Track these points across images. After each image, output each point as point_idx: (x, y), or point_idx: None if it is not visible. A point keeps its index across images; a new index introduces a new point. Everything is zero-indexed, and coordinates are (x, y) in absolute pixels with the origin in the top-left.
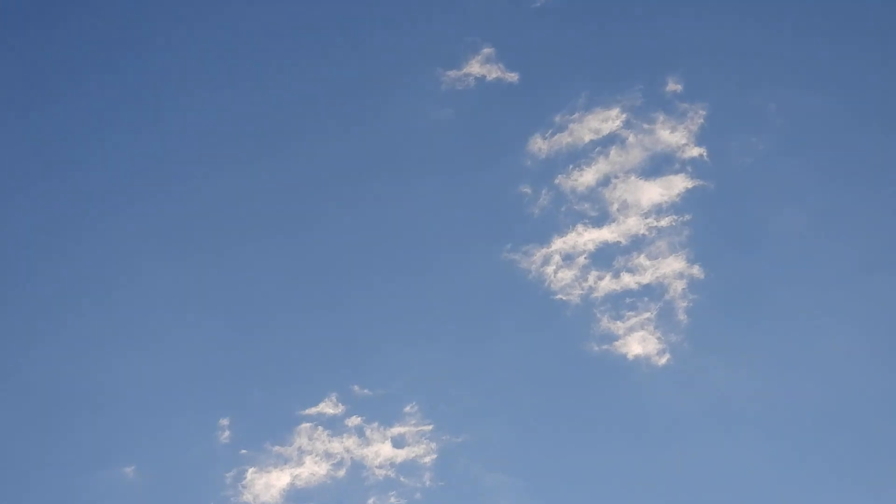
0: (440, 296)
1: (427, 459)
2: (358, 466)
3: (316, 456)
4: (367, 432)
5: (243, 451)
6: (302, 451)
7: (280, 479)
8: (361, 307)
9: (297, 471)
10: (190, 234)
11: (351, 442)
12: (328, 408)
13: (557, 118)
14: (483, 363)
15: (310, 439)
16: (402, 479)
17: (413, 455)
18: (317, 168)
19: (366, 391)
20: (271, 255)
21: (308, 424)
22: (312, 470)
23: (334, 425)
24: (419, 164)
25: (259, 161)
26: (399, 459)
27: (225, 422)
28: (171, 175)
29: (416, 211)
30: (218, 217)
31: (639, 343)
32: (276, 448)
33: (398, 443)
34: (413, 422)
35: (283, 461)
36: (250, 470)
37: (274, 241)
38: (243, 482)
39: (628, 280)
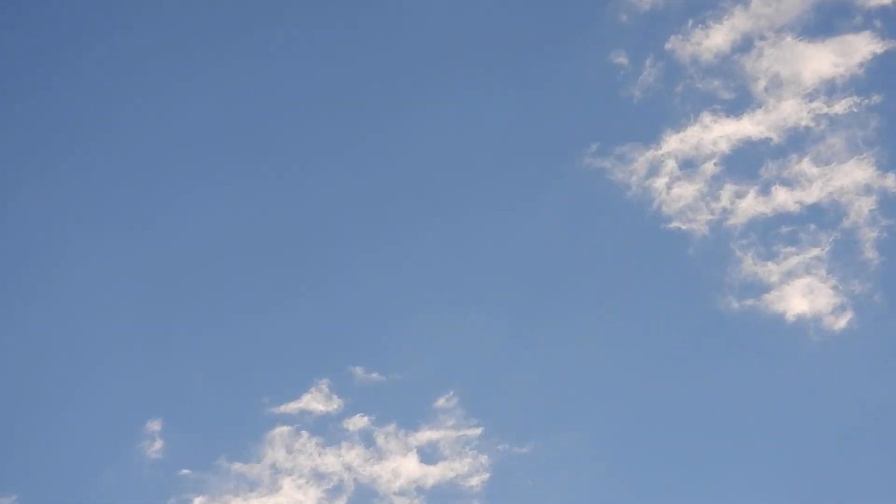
0: (488, 237)
1: (475, 482)
2: (366, 493)
3: (299, 477)
4: (380, 439)
5: (184, 472)
6: (277, 470)
7: None
8: (367, 257)
9: (270, 501)
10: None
11: (354, 455)
12: (316, 402)
13: None
14: (557, 336)
15: (289, 451)
16: None
17: (452, 475)
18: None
19: (374, 376)
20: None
21: (286, 428)
22: (294, 499)
23: (327, 429)
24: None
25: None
26: (431, 482)
27: (155, 426)
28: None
29: (451, 114)
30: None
31: (803, 296)
32: (237, 466)
33: (428, 456)
34: (451, 423)
35: (247, 486)
36: (196, 501)
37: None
38: None
39: (784, 198)
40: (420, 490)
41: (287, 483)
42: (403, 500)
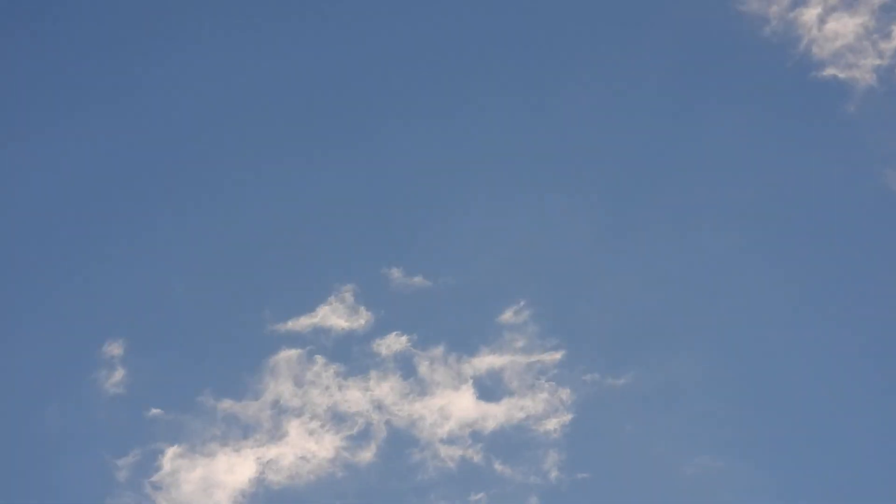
0: (573, 94)
1: (552, 425)
2: (402, 440)
3: (311, 419)
4: (423, 367)
5: (154, 413)
6: (281, 410)
7: (235, 471)
8: (407, 121)
9: (271, 452)
10: None
11: (387, 389)
12: (337, 316)
13: None
14: (664, 227)
15: (298, 385)
16: (497, 466)
17: (521, 416)
18: None
19: (416, 280)
20: None
21: (294, 352)
22: (303, 449)
23: (351, 353)
24: None
25: None
26: (491, 425)
27: (114, 348)
28: None
29: None
30: None
31: None
32: (226, 404)
33: (489, 390)
34: (520, 344)
35: (239, 432)
36: (169, 452)
37: None
38: (154, 478)
39: None
40: (476, 436)
41: (294, 427)
42: (453, 451)
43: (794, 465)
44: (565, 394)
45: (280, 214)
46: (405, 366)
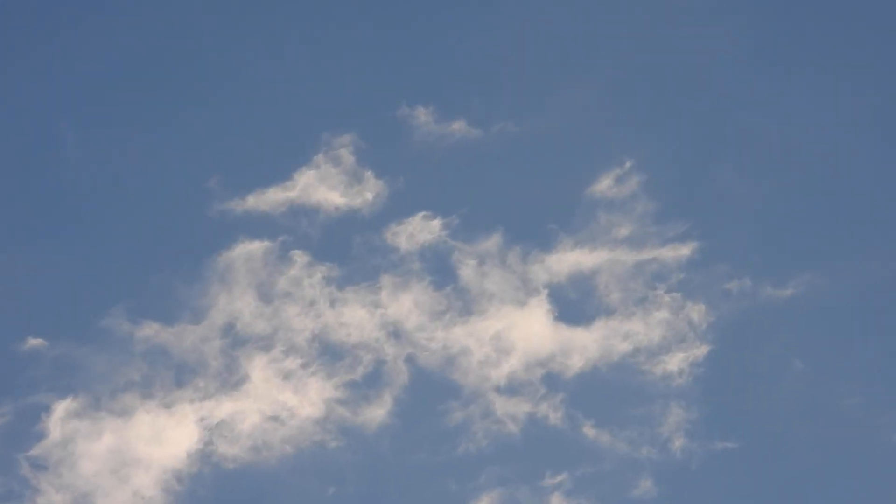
0: None
1: (676, 363)
2: (432, 389)
3: (286, 356)
4: (466, 269)
5: (33, 343)
6: (236, 342)
7: (166, 440)
8: None
9: (222, 409)
10: None
11: (407, 306)
12: (325, 187)
13: None
14: None
15: (263, 299)
16: (588, 429)
17: (626, 348)
18: None
19: (457, 127)
20: None
21: (253, 246)
22: (274, 405)
23: (347, 248)
24: None
25: None
26: (577, 363)
27: None
28: None
29: None
30: None
31: None
32: (148, 330)
33: (573, 306)
34: (625, 231)
35: (171, 378)
36: (58, 408)
37: None
38: (32, 451)
39: None
40: (553, 382)
41: (259, 369)
42: (516, 405)
43: None
44: (698, 312)
45: (238, 26)
46: (439, 267)
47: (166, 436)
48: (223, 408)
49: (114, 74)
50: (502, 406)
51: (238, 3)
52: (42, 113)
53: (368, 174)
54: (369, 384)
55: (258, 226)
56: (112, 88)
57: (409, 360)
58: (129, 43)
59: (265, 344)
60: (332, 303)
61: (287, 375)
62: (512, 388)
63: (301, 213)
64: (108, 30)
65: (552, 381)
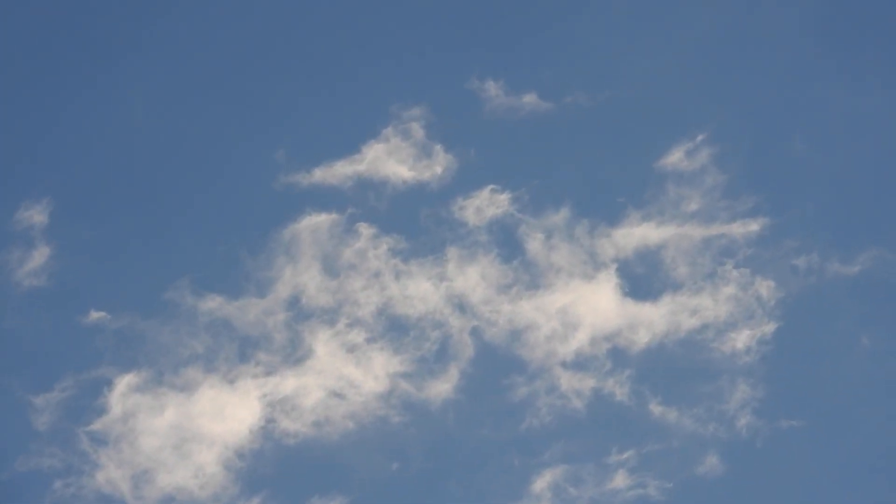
0: None
1: (744, 340)
2: (498, 364)
3: (351, 329)
4: (534, 243)
5: (96, 316)
6: (301, 315)
7: (228, 416)
8: None
9: (286, 384)
10: None
11: (474, 279)
12: (393, 160)
13: None
14: None
15: (328, 272)
16: (655, 406)
17: (694, 323)
18: None
19: (528, 100)
20: None
21: (319, 219)
22: (338, 379)
23: (414, 222)
24: None
25: None
26: (644, 339)
27: (34, 214)
28: None
29: None
30: None
31: None
32: (212, 303)
33: (641, 280)
34: (694, 206)
35: (234, 352)
36: (120, 383)
37: None
38: (93, 425)
39: None
40: (620, 357)
41: (324, 343)
42: (582, 381)
43: None
44: (766, 288)
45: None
46: (506, 241)
47: (228, 412)
48: (286, 383)
49: (185, 48)
50: (568, 381)
51: None
52: (112, 82)
53: (438, 147)
54: (434, 358)
55: (325, 199)
56: (182, 61)
57: (475, 333)
58: (199, 18)
59: (330, 318)
60: (398, 275)
61: (351, 349)
62: (578, 364)
63: (369, 186)
64: (181, 4)
65: (618, 356)
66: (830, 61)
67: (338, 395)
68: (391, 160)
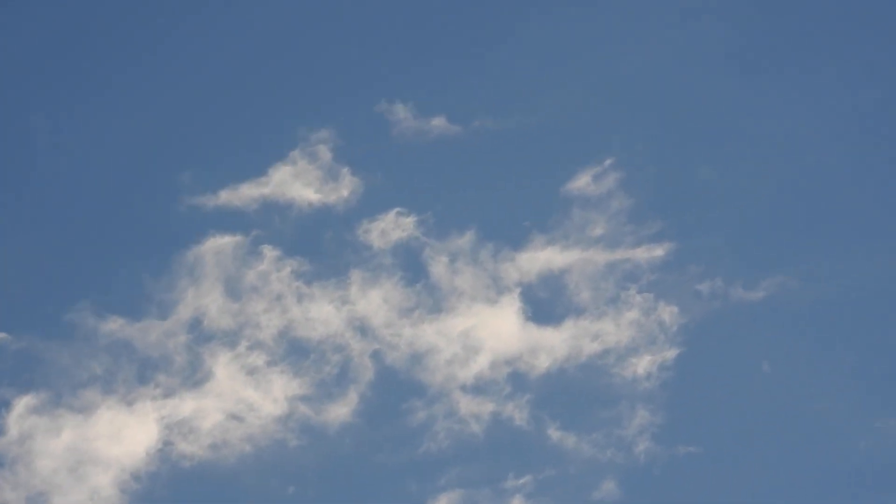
0: None
1: (645, 366)
2: (397, 388)
3: (251, 352)
4: (438, 267)
5: None
6: (202, 338)
7: (126, 438)
8: None
9: (184, 407)
10: None
11: (376, 302)
12: (299, 183)
13: None
14: None
15: (230, 294)
16: (553, 431)
17: (596, 349)
18: None
19: (436, 123)
20: None
21: (223, 241)
22: (237, 402)
23: (318, 244)
24: None
25: None
26: (544, 363)
27: None
28: None
29: None
30: None
31: None
32: (113, 325)
33: (543, 305)
34: (598, 231)
35: (133, 375)
36: (18, 405)
37: None
38: None
39: None
40: (520, 382)
41: (223, 366)
42: (481, 405)
43: None
44: (669, 314)
45: (219, 19)
46: (410, 264)
47: (126, 434)
48: (185, 405)
49: (85, 66)
50: (467, 406)
51: None
52: (12, 103)
53: (345, 170)
54: (334, 382)
55: (229, 221)
56: (83, 80)
57: (375, 356)
58: (102, 33)
59: (231, 340)
60: (300, 298)
61: (251, 372)
62: (477, 388)
63: (274, 209)
64: (82, 19)
65: (518, 381)
66: (737, 88)
67: (236, 417)
68: (297, 183)
